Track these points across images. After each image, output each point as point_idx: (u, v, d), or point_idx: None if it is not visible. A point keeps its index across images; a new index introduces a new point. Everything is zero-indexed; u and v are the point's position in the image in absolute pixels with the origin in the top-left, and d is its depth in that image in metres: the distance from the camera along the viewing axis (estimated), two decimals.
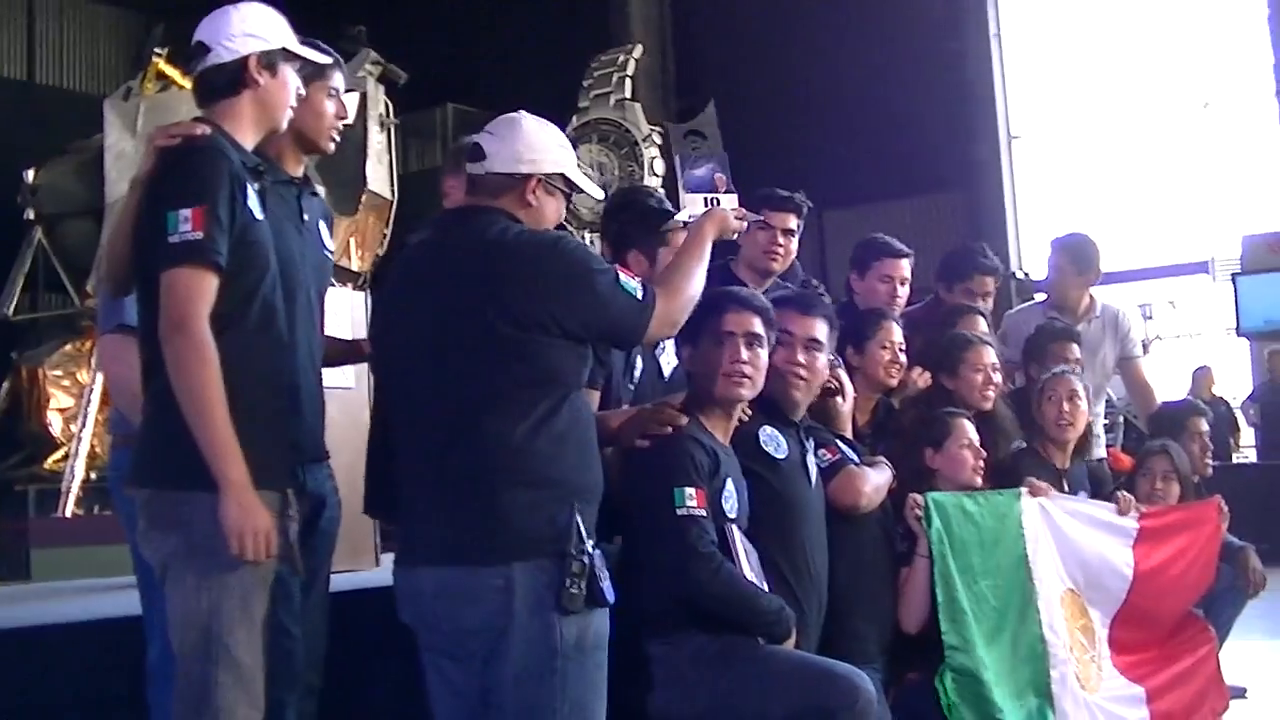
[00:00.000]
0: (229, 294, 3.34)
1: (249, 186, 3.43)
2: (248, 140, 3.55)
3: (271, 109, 3.58)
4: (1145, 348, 8.98)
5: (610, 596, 3.36)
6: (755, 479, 4.16)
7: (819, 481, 4.40)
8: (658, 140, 15.21)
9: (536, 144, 3.59)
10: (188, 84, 12.55)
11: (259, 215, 3.44)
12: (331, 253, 4.10)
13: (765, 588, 3.98)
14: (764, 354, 4.10)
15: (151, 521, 3.38)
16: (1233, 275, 15.61)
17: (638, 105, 15.41)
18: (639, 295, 3.48)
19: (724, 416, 4.09)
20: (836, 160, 16.25)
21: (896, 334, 5.18)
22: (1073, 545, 5.19)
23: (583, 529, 3.29)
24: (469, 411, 3.32)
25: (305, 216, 3.86)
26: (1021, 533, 4.97)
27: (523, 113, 3.66)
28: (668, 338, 4.07)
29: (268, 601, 3.40)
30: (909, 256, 5.75)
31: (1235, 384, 15.85)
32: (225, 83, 3.53)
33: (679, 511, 3.81)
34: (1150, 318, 15.84)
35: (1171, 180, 17.25)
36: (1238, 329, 15.69)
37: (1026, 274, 14.24)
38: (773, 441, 4.28)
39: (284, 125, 3.66)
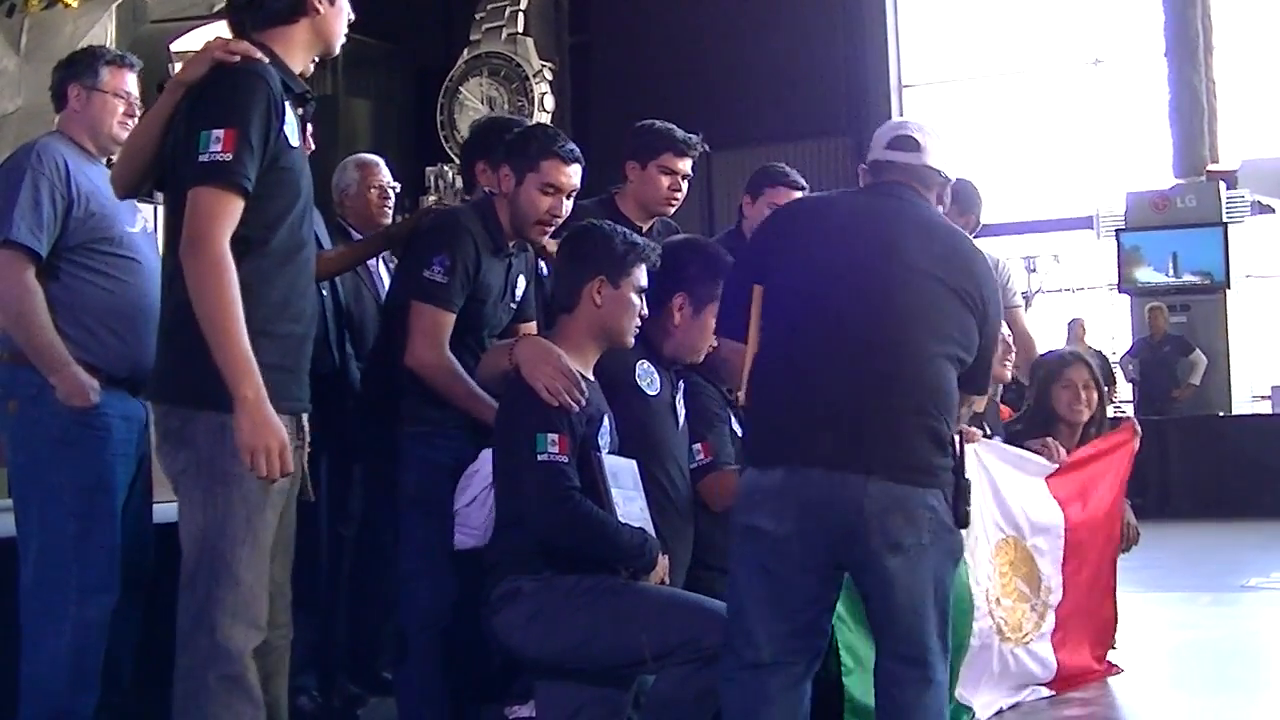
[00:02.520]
0: (254, 218, 3.36)
1: (290, 113, 3.43)
2: (297, 65, 3.57)
3: (327, 36, 3.62)
4: (1027, 299, 9.00)
5: None
6: (623, 409, 4.20)
7: (685, 427, 4.45)
8: (549, 76, 15.14)
9: (951, 152, 3.85)
10: (74, 2, 12.24)
11: (294, 143, 3.47)
12: None
13: (643, 500, 4.05)
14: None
15: (164, 436, 3.44)
16: (1116, 231, 15.78)
17: (529, 40, 15.37)
18: None
19: (597, 350, 4.14)
20: (725, 101, 16.15)
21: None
22: (1007, 491, 5.20)
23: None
24: (920, 350, 3.58)
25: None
26: None
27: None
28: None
29: (277, 523, 3.43)
30: (804, 189, 5.67)
31: (1120, 340, 16.08)
32: (285, 8, 3.53)
33: (539, 457, 3.88)
34: (1034, 270, 16.01)
35: (1059, 135, 17.38)
36: (1120, 285, 15.87)
37: None
38: (648, 377, 4.34)
39: (336, 51, 3.68)
